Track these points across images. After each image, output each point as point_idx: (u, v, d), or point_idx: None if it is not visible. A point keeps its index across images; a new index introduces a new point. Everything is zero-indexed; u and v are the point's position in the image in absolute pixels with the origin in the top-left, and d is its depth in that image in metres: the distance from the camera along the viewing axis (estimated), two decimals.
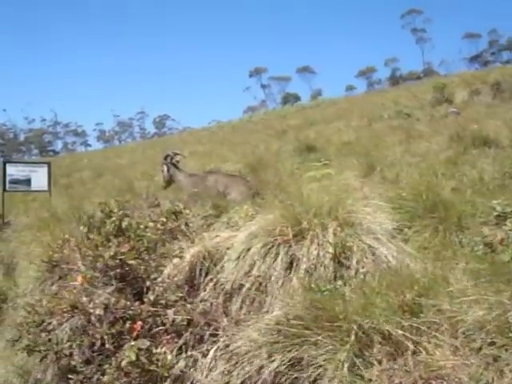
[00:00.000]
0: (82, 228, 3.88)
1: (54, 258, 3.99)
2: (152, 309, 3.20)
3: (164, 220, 3.93)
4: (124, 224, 3.65)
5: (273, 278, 3.31)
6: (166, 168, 7.92)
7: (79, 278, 3.37)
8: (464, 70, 44.48)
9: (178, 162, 8.02)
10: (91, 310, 3.17)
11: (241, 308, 3.32)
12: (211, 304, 3.30)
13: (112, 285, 3.34)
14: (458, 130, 8.92)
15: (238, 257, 3.45)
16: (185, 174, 7.93)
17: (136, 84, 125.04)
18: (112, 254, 3.33)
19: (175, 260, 3.59)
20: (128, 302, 3.20)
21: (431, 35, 65.52)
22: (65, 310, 3.29)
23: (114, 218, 3.68)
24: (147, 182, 11.49)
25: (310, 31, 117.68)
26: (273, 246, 3.43)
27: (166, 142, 32.11)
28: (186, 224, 4.00)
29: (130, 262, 3.34)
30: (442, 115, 14.03)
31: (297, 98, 52.09)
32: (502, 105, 14.64)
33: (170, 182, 7.97)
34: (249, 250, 3.45)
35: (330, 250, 3.29)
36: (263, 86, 67.13)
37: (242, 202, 6.01)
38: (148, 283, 3.39)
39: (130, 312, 3.16)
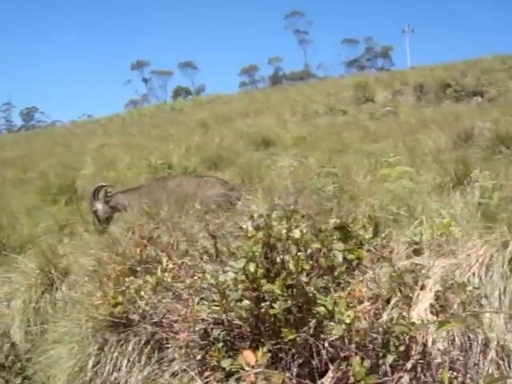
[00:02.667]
0: None
1: None
2: None
3: None
4: None
5: None
6: (100, 205, 6.20)
7: None
8: (342, 73, 46.66)
9: (109, 192, 6.31)
10: None
11: None
12: None
13: None
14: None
15: None
16: (126, 192, 6.24)
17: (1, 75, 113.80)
18: None
19: None
20: None
21: (313, 37, 68.15)
22: None
23: None
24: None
25: (193, 27, 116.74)
26: None
27: (52, 133, 29.48)
28: None
29: None
30: (382, 113, 14.02)
31: (188, 92, 50.78)
32: (429, 105, 15.13)
33: (109, 217, 6.22)
34: None
35: None
36: (145, 80, 64.61)
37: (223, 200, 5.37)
38: None
39: None
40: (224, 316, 2.45)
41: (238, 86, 61.22)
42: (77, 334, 3.00)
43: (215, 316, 2.49)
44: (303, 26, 66.91)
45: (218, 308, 2.45)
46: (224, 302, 2.40)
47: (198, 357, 2.46)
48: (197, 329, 2.52)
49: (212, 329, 2.49)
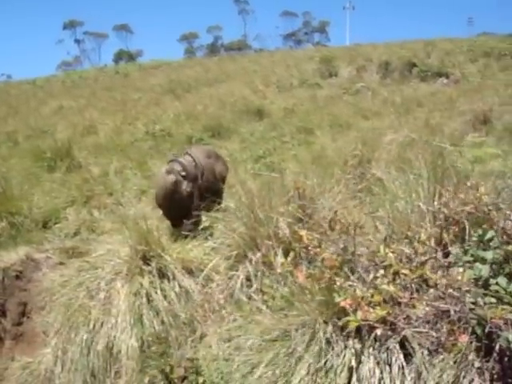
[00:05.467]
0: None
1: None
2: None
3: None
4: None
5: None
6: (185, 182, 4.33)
7: None
8: (279, 46, 46.51)
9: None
10: None
11: None
12: None
13: None
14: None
15: None
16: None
17: None
18: None
19: None
20: None
21: (254, 7, 67.21)
22: None
23: None
24: None
25: None
26: None
27: None
28: None
29: None
30: (356, 89, 14.14)
31: (130, 57, 48.54)
32: (394, 83, 15.36)
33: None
34: None
35: None
36: (77, 41, 61.08)
37: None
38: None
39: None
40: None
41: (184, 53, 59.28)
42: None
43: None
44: None
45: None
46: None
47: None
48: None
49: None
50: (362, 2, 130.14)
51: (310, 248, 3.17)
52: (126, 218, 5.55)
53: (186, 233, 3.98)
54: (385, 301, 2.51)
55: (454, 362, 2.36)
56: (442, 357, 2.41)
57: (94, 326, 3.40)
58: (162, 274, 3.54)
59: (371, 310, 2.43)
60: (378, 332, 2.42)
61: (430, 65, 16.31)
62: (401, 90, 13.25)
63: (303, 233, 3.20)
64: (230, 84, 17.56)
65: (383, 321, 2.46)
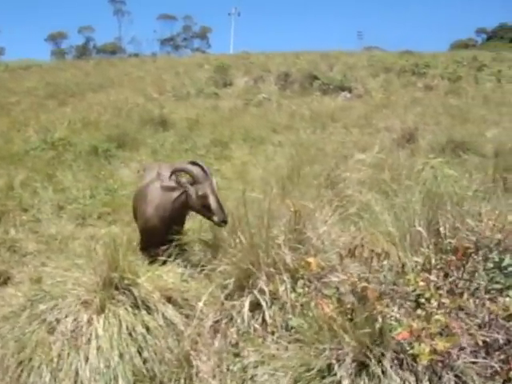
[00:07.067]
0: None
1: None
2: None
3: None
4: None
5: None
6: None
7: None
8: (157, 51, 45.59)
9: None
10: None
11: None
12: None
13: None
14: None
15: None
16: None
17: None
18: None
19: None
20: None
21: (130, 9, 64.90)
22: None
23: None
24: None
25: None
26: None
27: None
28: None
29: None
30: (258, 101, 14.08)
31: None
32: (295, 96, 15.53)
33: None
34: None
35: None
36: None
37: None
38: None
39: None
40: None
41: (51, 53, 55.37)
42: None
43: None
44: None
45: None
46: None
47: None
48: None
49: None
50: (248, 9, 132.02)
51: (322, 275, 2.91)
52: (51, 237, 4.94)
53: (161, 258, 3.47)
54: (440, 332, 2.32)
55: None
56: None
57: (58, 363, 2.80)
58: (143, 305, 3.03)
59: (436, 342, 2.22)
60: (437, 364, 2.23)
61: (331, 78, 16.43)
62: (306, 102, 13.37)
63: (311, 259, 2.92)
64: (119, 90, 16.63)
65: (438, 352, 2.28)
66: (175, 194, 3.67)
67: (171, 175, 3.72)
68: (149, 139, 9.31)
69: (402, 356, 2.32)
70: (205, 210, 3.54)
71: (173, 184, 3.71)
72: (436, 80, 16.98)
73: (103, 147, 8.19)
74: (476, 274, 2.74)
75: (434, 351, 2.20)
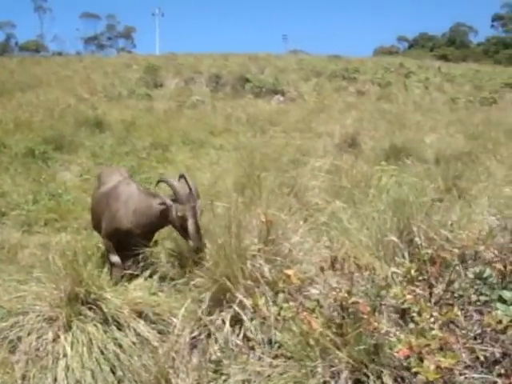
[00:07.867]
0: None
1: None
2: None
3: None
4: None
5: None
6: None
7: None
8: (80, 50, 44.15)
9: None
10: None
11: None
12: None
13: None
14: None
15: None
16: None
17: None
18: None
19: None
20: None
21: (52, 6, 61.98)
22: None
23: None
24: None
25: None
26: None
27: None
28: None
29: None
30: (192, 103, 13.87)
31: None
32: (227, 98, 15.47)
33: None
34: None
35: None
36: None
37: None
38: None
39: None
40: None
41: None
42: None
43: None
44: None
45: None
46: None
47: None
48: None
49: None
50: (172, 10, 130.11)
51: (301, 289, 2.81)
52: None
53: (128, 271, 3.26)
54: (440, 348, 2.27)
55: None
56: None
57: None
58: (113, 321, 2.81)
59: (438, 358, 2.15)
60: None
61: (263, 81, 16.54)
62: (241, 105, 13.31)
63: (291, 272, 2.80)
64: (48, 90, 15.74)
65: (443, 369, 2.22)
66: (155, 200, 3.43)
67: (156, 185, 3.60)
68: (86, 141, 8.93)
69: (401, 373, 2.25)
70: (182, 231, 3.34)
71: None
72: (367, 85, 17.45)
73: (40, 149, 7.86)
74: (458, 286, 2.73)
75: (439, 368, 2.14)
